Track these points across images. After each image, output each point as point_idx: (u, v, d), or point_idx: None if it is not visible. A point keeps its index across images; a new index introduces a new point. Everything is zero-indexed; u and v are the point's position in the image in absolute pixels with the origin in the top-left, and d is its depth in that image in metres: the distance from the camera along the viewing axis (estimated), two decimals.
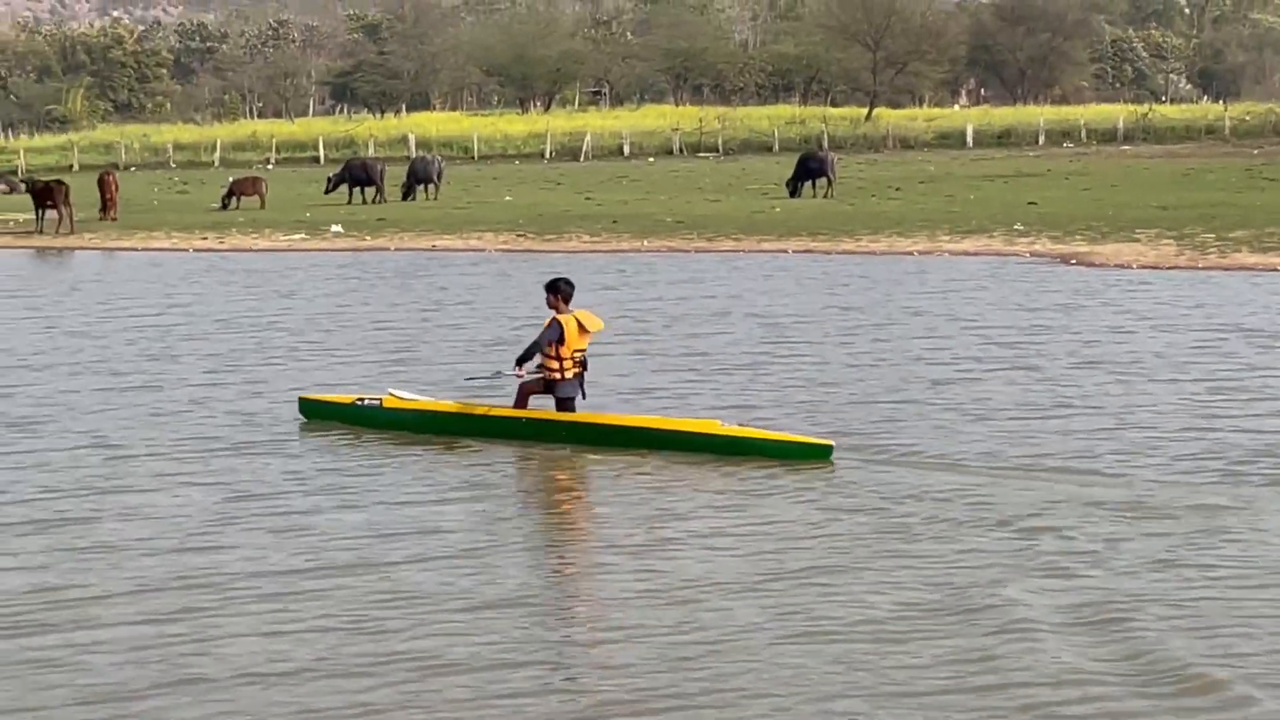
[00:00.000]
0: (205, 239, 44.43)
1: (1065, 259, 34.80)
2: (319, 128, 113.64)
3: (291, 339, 25.01)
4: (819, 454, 15.53)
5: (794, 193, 55.53)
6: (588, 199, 56.11)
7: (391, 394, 17.69)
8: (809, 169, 56.58)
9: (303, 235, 44.54)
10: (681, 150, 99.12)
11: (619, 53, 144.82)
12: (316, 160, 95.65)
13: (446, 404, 17.53)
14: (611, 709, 9.37)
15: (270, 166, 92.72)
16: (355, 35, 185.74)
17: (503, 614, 11.09)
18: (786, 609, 11.08)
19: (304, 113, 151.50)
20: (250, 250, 42.10)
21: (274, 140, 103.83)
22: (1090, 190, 53.42)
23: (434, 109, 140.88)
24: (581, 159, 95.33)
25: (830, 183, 55.87)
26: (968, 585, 11.55)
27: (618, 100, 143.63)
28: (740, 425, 16.35)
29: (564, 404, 16.72)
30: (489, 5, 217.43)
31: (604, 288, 31.24)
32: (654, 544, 12.74)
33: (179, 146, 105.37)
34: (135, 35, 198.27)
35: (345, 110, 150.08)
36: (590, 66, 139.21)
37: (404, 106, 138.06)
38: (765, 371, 20.90)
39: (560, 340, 16.37)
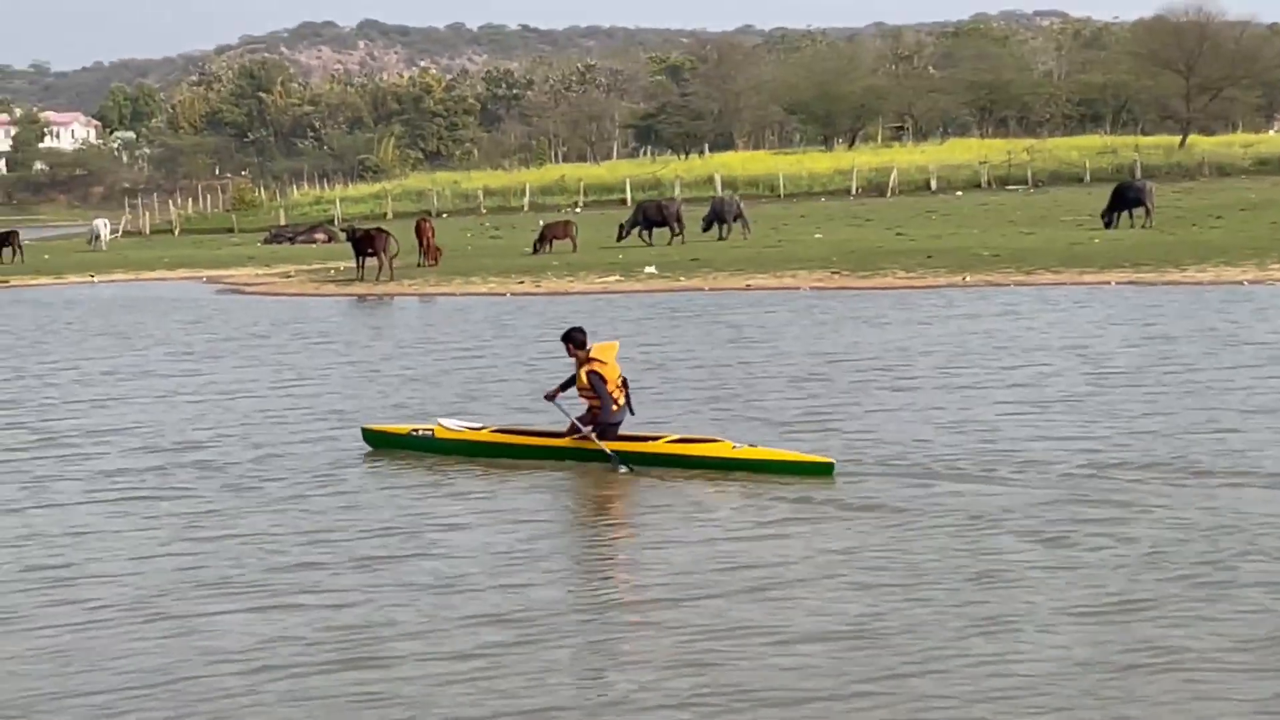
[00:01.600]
0: (522, 283, 44.78)
1: None
2: (624, 170, 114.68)
3: None
4: (822, 471, 16.28)
5: (1109, 224, 54.34)
6: (899, 234, 55.58)
7: (440, 424, 18.89)
8: (1126, 199, 55.34)
9: (617, 277, 44.68)
10: (989, 183, 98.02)
11: (922, 87, 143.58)
12: (623, 202, 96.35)
13: (488, 434, 18.51)
14: None
15: (578, 210, 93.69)
16: (658, 77, 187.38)
17: (825, 646, 10.87)
18: (1122, 641, 10.73)
19: (608, 156, 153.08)
20: (567, 293, 42.35)
21: (581, 184, 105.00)
22: None
23: (737, 148, 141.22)
24: (888, 194, 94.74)
25: (1149, 212, 54.57)
26: None
27: (921, 135, 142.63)
28: (750, 445, 17.16)
29: (612, 430, 17.57)
30: (790, 44, 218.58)
31: (919, 323, 30.84)
32: (970, 578, 12.42)
33: (489, 192, 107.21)
34: (443, 84, 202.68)
35: (649, 152, 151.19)
36: (893, 102, 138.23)
37: (707, 147, 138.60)
38: (1102, 401, 20.31)
39: (602, 380, 17.51)
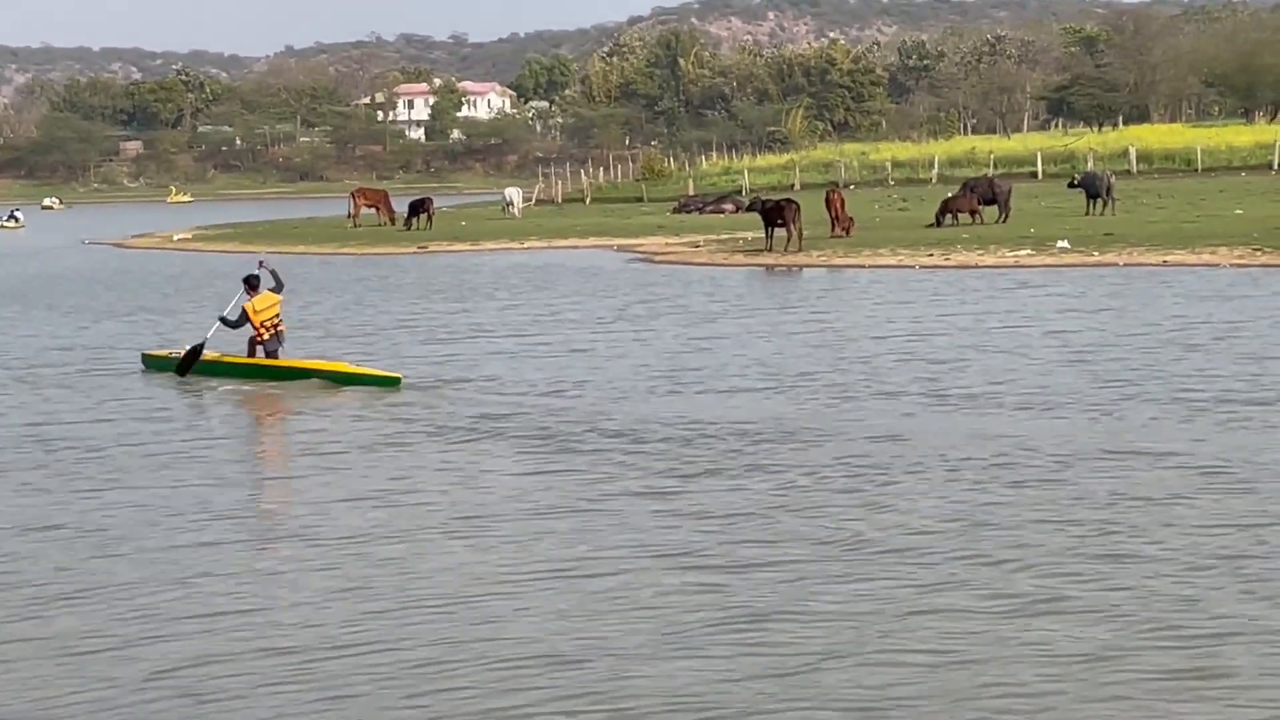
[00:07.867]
0: (930, 255, 44.35)
1: None
2: (1036, 143, 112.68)
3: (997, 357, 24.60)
4: (390, 384, 23.27)
5: None
6: None
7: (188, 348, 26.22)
8: None
9: (1028, 251, 43.91)
10: None
11: None
12: (1034, 175, 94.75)
13: (210, 355, 25.71)
14: None
15: None
16: (1072, 49, 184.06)
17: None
18: None
19: (1019, 128, 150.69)
20: (975, 266, 41.79)
21: (991, 156, 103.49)
22: None
23: (1152, 121, 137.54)
24: None
25: None
26: None
27: None
28: (359, 365, 24.80)
29: (270, 355, 25.15)
30: (1209, 14, 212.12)
31: None
32: None
33: (896, 164, 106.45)
34: (850, 56, 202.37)
35: (1061, 125, 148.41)
36: None
37: (1120, 119, 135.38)
38: None
39: (246, 317, 25.21)
